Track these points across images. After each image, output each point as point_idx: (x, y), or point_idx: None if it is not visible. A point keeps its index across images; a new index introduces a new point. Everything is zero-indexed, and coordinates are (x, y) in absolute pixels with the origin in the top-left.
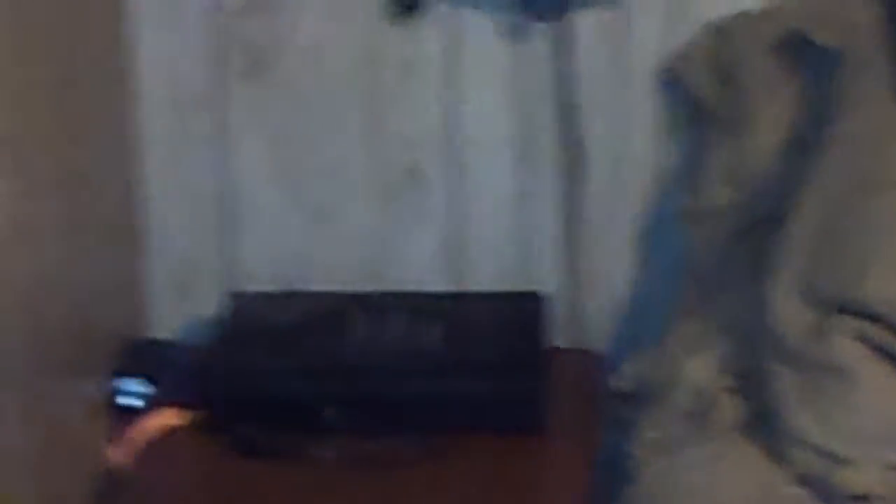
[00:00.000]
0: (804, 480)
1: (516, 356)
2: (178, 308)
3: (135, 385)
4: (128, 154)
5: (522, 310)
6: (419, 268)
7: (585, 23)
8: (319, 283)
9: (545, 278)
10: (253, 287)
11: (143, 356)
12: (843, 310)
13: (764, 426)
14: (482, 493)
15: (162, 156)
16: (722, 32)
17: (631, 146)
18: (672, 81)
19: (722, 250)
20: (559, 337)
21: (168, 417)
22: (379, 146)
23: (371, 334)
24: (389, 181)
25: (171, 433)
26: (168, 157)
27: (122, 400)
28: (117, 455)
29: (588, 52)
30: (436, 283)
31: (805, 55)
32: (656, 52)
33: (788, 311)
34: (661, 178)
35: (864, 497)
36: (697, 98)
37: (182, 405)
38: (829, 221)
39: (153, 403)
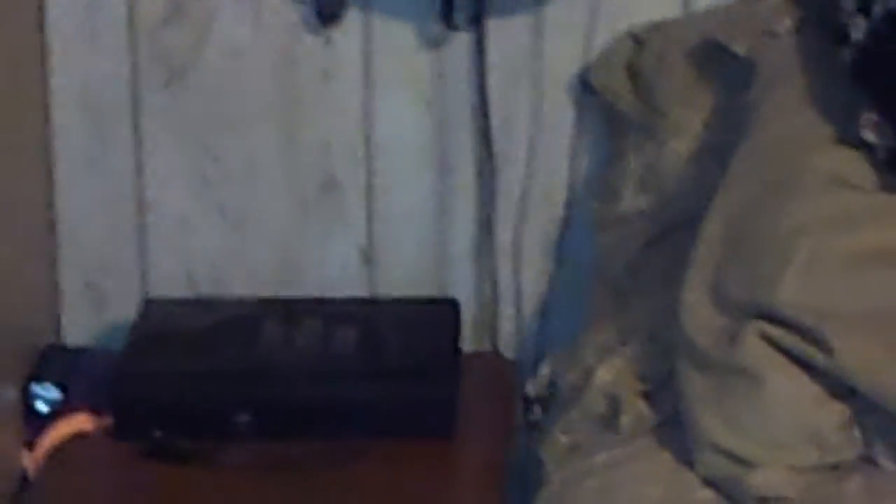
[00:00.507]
0: (713, 483)
1: (429, 361)
2: (92, 314)
3: (47, 390)
4: (43, 160)
5: (436, 315)
6: (334, 274)
7: (501, 32)
8: (235, 289)
9: (459, 284)
10: (167, 293)
11: (55, 362)
12: (755, 314)
13: (674, 430)
14: (394, 498)
15: (77, 162)
16: (639, 41)
17: (546, 154)
18: (589, 89)
19: (635, 256)
20: (472, 342)
21: (80, 423)
22: (295, 153)
23: (285, 340)
24: (305, 187)
25: (82, 438)
26: (83, 164)
27: (35, 405)
28: (29, 460)
29: (504, 61)
30: (350, 289)
31: (721, 63)
32: (573, 60)
33: (700, 316)
34: (576, 185)
35: (773, 499)
36: (613, 105)
37: (94, 410)
38: (741, 226)
39: (65, 409)
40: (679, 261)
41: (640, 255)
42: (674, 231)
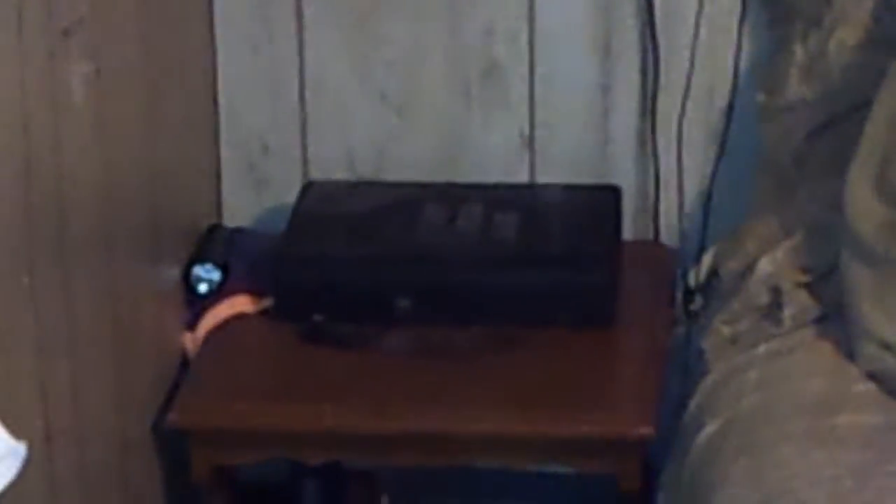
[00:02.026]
0: (874, 377)
1: (590, 248)
2: (253, 196)
3: (208, 272)
4: (207, 43)
5: (598, 202)
6: (495, 159)
7: None
8: (395, 174)
9: (622, 171)
10: (328, 176)
11: (217, 243)
12: None
13: (836, 323)
14: (552, 384)
15: (240, 45)
16: None
17: (710, 42)
18: None
19: (800, 146)
20: (634, 230)
21: (240, 304)
22: (458, 38)
23: (445, 224)
24: (468, 73)
25: (242, 320)
26: (246, 47)
27: (196, 287)
28: (190, 341)
29: None
30: (511, 175)
31: None
32: None
33: (864, 208)
34: (740, 75)
35: None
36: None
37: (254, 293)
38: None
39: (226, 290)
40: (844, 151)
41: (805, 145)
42: (839, 121)
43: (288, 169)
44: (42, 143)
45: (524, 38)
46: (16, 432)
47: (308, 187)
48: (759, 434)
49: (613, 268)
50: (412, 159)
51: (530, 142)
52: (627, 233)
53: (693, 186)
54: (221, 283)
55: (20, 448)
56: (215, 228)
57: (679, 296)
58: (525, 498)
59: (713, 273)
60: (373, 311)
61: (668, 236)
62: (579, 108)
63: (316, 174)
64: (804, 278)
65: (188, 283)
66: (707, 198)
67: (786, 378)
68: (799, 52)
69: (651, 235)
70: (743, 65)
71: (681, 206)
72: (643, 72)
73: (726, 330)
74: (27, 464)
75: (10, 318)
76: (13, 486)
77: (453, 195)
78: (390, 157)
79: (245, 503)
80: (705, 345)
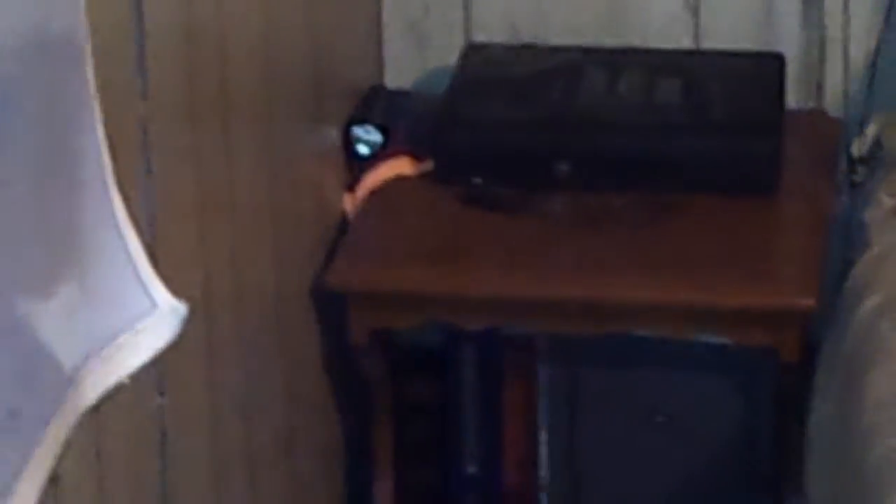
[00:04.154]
0: None
1: (753, 116)
2: (415, 57)
3: (369, 133)
4: None
5: (762, 70)
6: (658, 24)
7: None
8: (557, 38)
9: (786, 39)
10: (489, 39)
11: (377, 104)
12: None
13: None
14: (714, 251)
15: None
16: None
17: None
18: None
19: None
20: (797, 99)
21: (400, 166)
22: None
23: (607, 89)
24: None
25: (402, 182)
26: None
27: (356, 147)
28: (350, 202)
29: None
30: (675, 40)
31: None
32: None
33: None
34: None
35: None
36: None
37: (415, 155)
38: None
39: (386, 152)
40: None
41: None
42: None
43: (450, 31)
44: (204, 3)
45: None
46: (176, 291)
47: (469, 50)
48: None
49: (776, 135)
50: (574, 23)
51: (695, 7)
52: (791, 102)
53: (858, 55)
54: (382, 145)
55: (180, 306)
56: (376, 89)
57: (843, 166)
58: (683, 368)
59: (877, 143)
60: (532, 176)
61: (833, 106)
62: None
63: (477, 36)
64: None
65: (348, 144)
66: (872, 67)
67: None
68: None
69: (815, 105)
70: None
71: (846, 75)
72: None
73: (889, 201)
74: (187, 323)
75: (172, 178)
76: (174, 344)
77: (615, 60)
78: (552, 21)
79: (402, 367)
80: (868, 216)
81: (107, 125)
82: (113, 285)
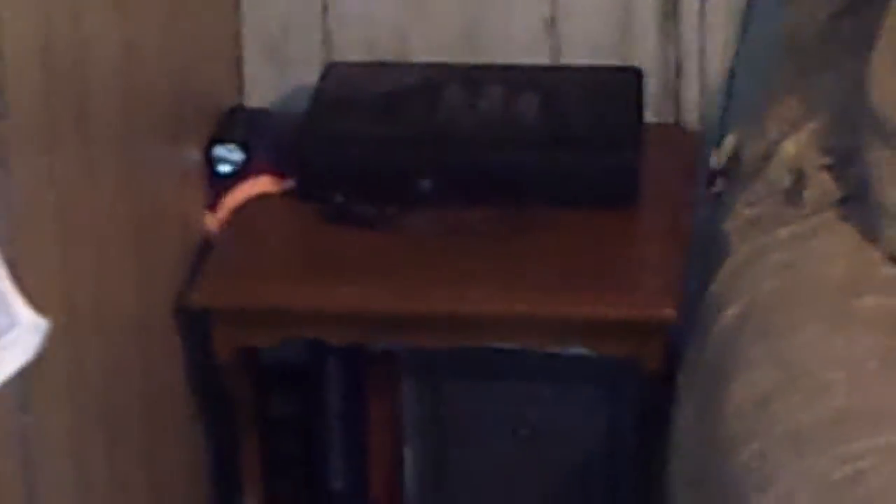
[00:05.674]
0: None
1: (612, 130)
2: (274, 76)
3: (230, 152)
4: None
5: (619, 84)
6: (517, 40)
7: None
8: (417, 56)
9: (643, 53)
10: (349, 57)
11: (238, 123)
12: None
13: (858, 204)
14: (575, 264)
15: None
16: None
17: None
18: None
19: (823, 27)
20: (656, 113)
21: (262, 184)
22: None
23: (467, 105)
24: None
25: (265, 200)
26: None
27: (218, 167)
28: (212, 221)
29: None
30: (533, 57)
31: None
32: None
33: (888, 89)
34: None
35: None
36: None
37: (277, 173)
38: None
39: (248, 170)
40: (868, 31)
41: (829, 26)
42: (861, 2)
43: (309, 50)
44: (62, 21)
45: None
46: (39, 308)
47: (330, 68)
48: (780, 316)
49: (636, 148)
50: (434, 42)
51: (553, 24)
52: (649, 116)
53: (715, 69)
54: (243, 164)
55: (42, 323)
56: (237, 109)
57: (701, 178)
58: (546, 380)
59: (735, 156)
60: (394, 192)
61: (691, 119)
62: None
63: (337, 56)
64: (826, 161)
65: (210, 163)
66: (729, 80)
67: (808, 261)
68: None
69: (673, 118)
70: None
71: (703, 88)
72: None
73: (748, 212)
74: (50, 340)
75: (31, 198)
76: (37, 362)
77: (475, 76)
78: (411, 40)
79: (267, 384)
80: (727, 227)
81: None
82: None
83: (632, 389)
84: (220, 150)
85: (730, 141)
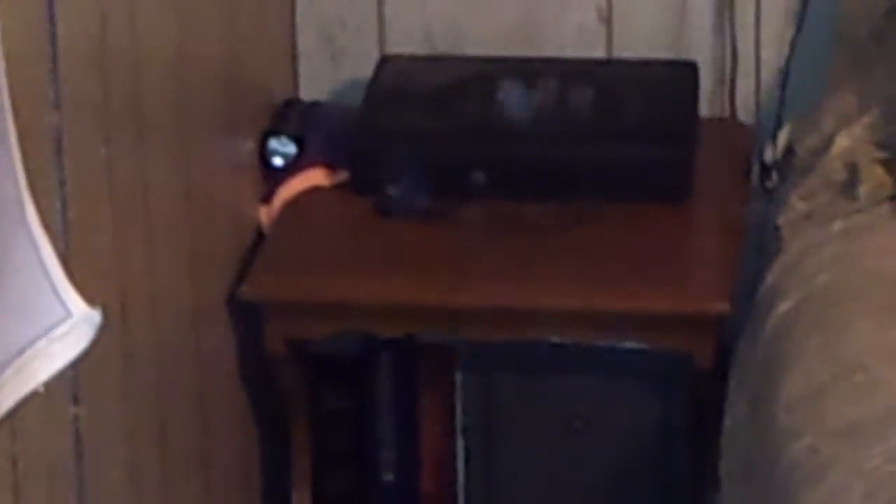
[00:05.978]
0: None
1: (667, 124)
2: (330, 69)
3: (284, 145)
4: None
5: (675, 78)
6: (572, 34)
7: None
8: (471, 49)
9: (699, 47)
10: (404, 51)
11: (292, 116)
12: None
13: None
14: (629, 258)
15: None
16: None
17: None
18: None
19: (879, 21)
20: (710, 107)
21: (316, 177)
22: None
23: (521, 99)
24: None
25: (318, 193)
26: None
27: (271, 159)
28: (265, 214)
29: None
30: (588, 50)
31: None
32: None
33: None
34: None
35: None
36: None
37: (330, 165)
38: None
39: (301, 163)
40: None
41: (884, 20)
42: None
43: (364, 43)
44: (118, 13)
45: None
46: (91, 300)
47: (384, 61)
48: (833, 311)
49: (690, 142)
50: (489, 34)
51: (608, 18)
52: (704, 110)
53: (770, 63)
54: (297, 157)
55: (94, 314)
56: (291, 102)
57: (755, 172)
58: (599, 374)
59: (789, 149)
60: (448, 185)
61: (745, 113)
62: None
63: (392, 49)
64: (881, 154)
65: (264, 156)
66: (784, 74)
67: (861, 255)
68: None
69: (727, 113)
70: None
71: (758, 82)
72: None
73: (802, 206)
74: (102, 332)
75: (87, 189)
76: (89, 353)
77: (529, 70)
78: (467, 33)
79: (318, 376)
80: (781, 221)
81: (20, 135)
82: (27, 294)
83: (685, 383)
84: (274, 143)
85: (784, 135)
